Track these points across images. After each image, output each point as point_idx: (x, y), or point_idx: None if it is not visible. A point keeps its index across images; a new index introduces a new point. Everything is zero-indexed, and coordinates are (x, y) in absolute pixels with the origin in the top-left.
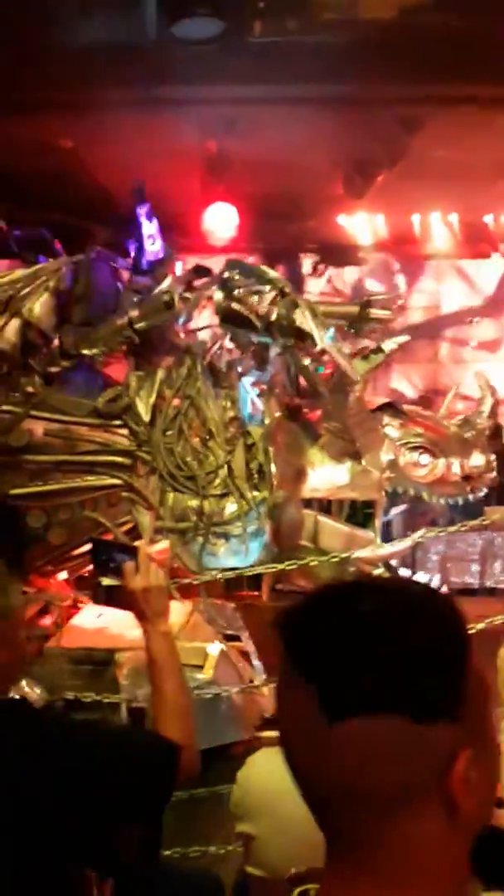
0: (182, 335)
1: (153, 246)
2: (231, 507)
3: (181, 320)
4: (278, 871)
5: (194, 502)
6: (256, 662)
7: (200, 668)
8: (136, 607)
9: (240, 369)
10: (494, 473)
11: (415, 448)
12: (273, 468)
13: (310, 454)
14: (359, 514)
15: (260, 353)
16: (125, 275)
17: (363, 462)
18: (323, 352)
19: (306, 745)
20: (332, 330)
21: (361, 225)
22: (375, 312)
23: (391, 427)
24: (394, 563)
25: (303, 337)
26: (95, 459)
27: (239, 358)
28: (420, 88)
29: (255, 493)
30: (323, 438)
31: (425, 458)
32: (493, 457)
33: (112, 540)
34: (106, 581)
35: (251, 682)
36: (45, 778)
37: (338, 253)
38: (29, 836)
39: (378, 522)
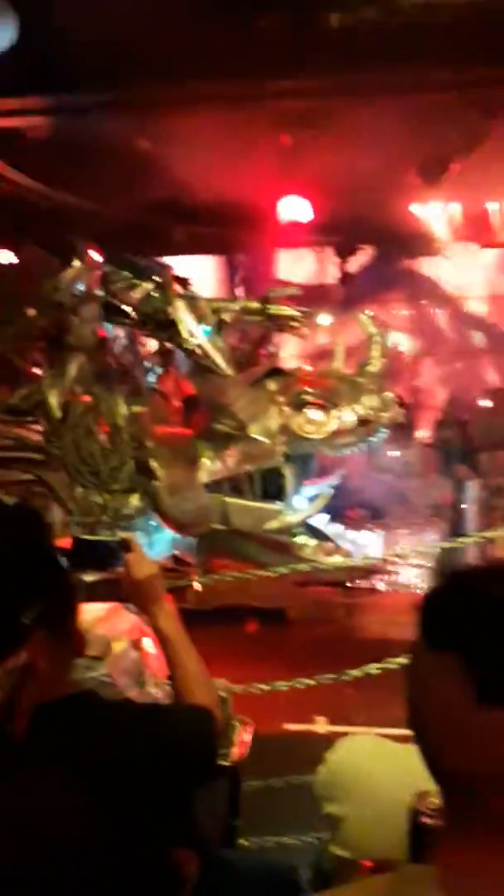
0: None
1: None
2: (136, 502)
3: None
4: (363, 853)
5: (100, 497)
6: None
7: (101, 659)
8: (140, 595)
9: (147, 365)
10: (395, 410)
11: (302, 405)
12: (153, 462)
13: (197, 445)
14: (272, 486)
15: (165, 351)
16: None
17: (250, 433)
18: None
19: (453, 728)
20: (208, 326)
21: (436, 214)
22: (276, 308)
23: (278, 391)
24: None
25: (177, 329)
26: (9, 455)
27: (145, 355)
28: (498, 72)
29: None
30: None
31: (316, 414)
32: (390, 395)
33: (93, 538)
34: (89, 577)
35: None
36: (126, 762)
37: (413, 243)
38: (127, 820)
39: (289, 489)
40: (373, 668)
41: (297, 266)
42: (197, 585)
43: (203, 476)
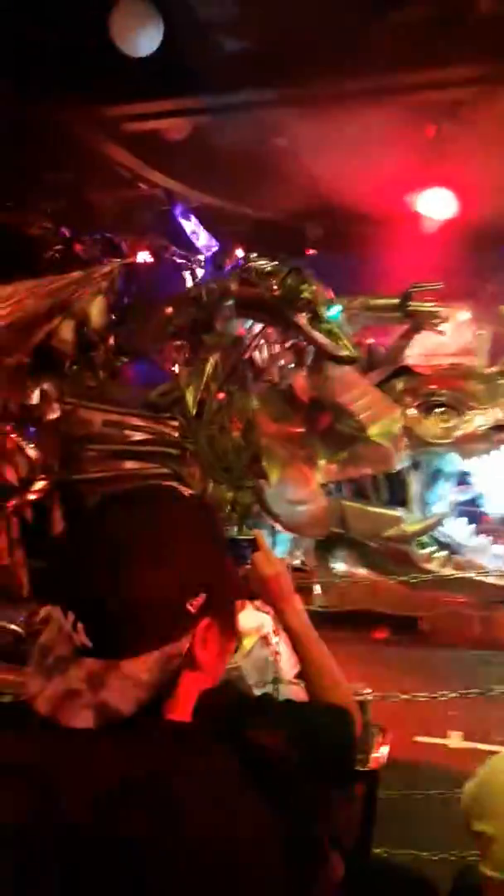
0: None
1: (200, 241)
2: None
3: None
4: None
5: (230, 494)
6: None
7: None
8: (268, 592)
9: (281, 363)
10: None
11: (432, 408)
12: (265, 461)
13: (315, 445)
14: (402, 492)
15: (298, 349)
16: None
17: (370, 435)
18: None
19: None
20: (339, 307)
21: None
22: (416, 304)
23: (408, 391)
24: None
25: (309, 310)
26: (148, 449)
27: (280, 352)
28: None
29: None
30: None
31: (447, 417)
32: None
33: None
34: None
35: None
36: (278, 755)
37: None
38: (285, 811)
39: (411, 496)
40: None
41: (437, 263)
42: (317, 589)
43: (319, 477)
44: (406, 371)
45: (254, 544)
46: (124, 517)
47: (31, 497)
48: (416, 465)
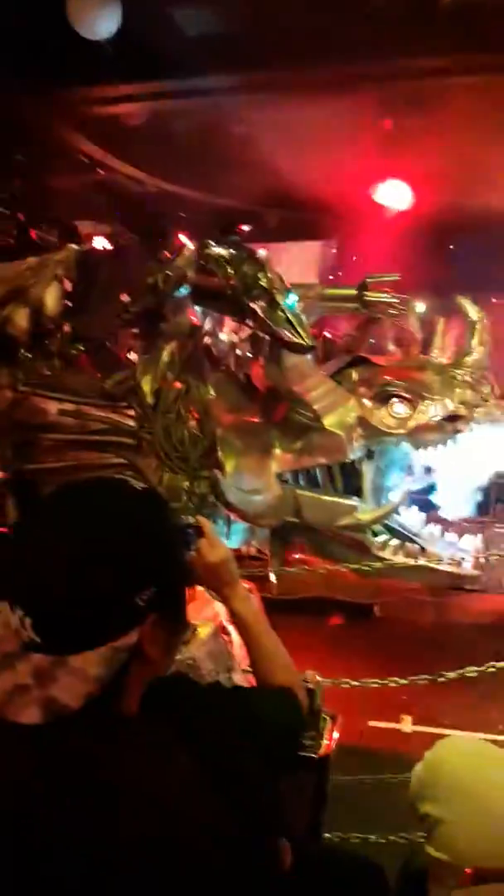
0: (190, 319)
1: None
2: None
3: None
4: (465, 858)
5: (186, 483)
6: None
7: (186, 643)
8: (213, 578)
9: (238, 352)
10: (493, 405)
11: (387, 398)
12: (220, 451)
13: (271, 434)
14: (356, 481)
15: (255, 338)
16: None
17: (325, 425)
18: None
19: None
20: (295, 296)
21: None
22: (371, 295)
23: (363, 382)
24: None
25: (266, 298)
26: (104, 439)
27: (237, 341)
28: None
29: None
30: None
31: (400, 408)
32: (488, 388)
33: None
34: None
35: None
36: (222, 742)
37: None
38: (229, 798)
39: (366, 485)
40: (471, 671)
41: (394, 253)
42: (272, 577)
43: (275, 467)
44: (361, 361)
45: (199, 531)
46: (73, 511)
47: None
48: (370, 455)
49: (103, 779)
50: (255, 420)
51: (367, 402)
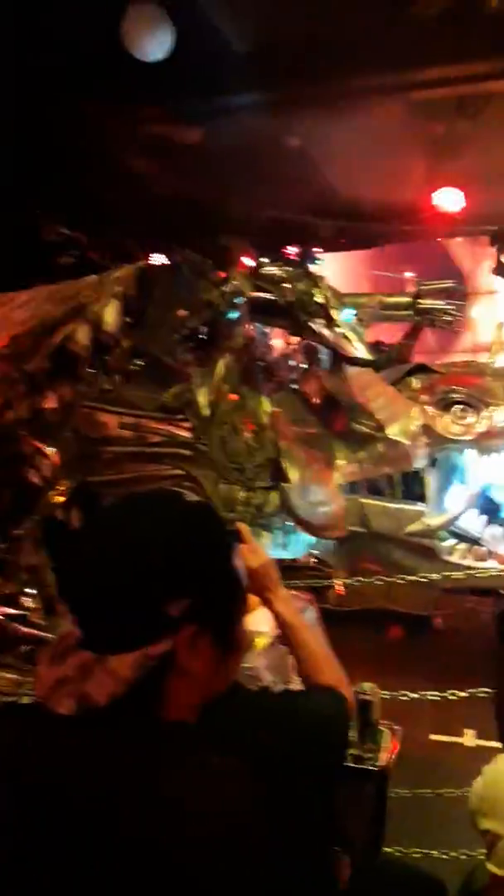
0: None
1: None
2: (277, 500)
3: (233, 316)
4: None
5: (243, 494)
6: None
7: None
8: (254, 584)
9: (291, 363)
10: None
11: (450, 405)
12: (285, 462)
13: (333, 445)
14: (417, 487)
15: (309, 349)
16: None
17: (389, 434)
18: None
19: None
20: (351, 310)
21: None
22: (427, 302)
23: (424, 389)
24: None
25: (322, 314)
26: (162, 451)
27: (290, 353)
28: None
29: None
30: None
31: (465, 414)
32: None
33: None
34: None
35: None
36: (275, 750)
37: None
38: (287, 808)
39: (430, 492)
40: None
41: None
42: (340, 587)
43: (338, 478)
44: (421, 369)
45: (238, 536)
46: (122, 518)
47: (59, 498)
48: (433, 463)
49: (130, 777)
50: (316, 431)
51: (430, 409)
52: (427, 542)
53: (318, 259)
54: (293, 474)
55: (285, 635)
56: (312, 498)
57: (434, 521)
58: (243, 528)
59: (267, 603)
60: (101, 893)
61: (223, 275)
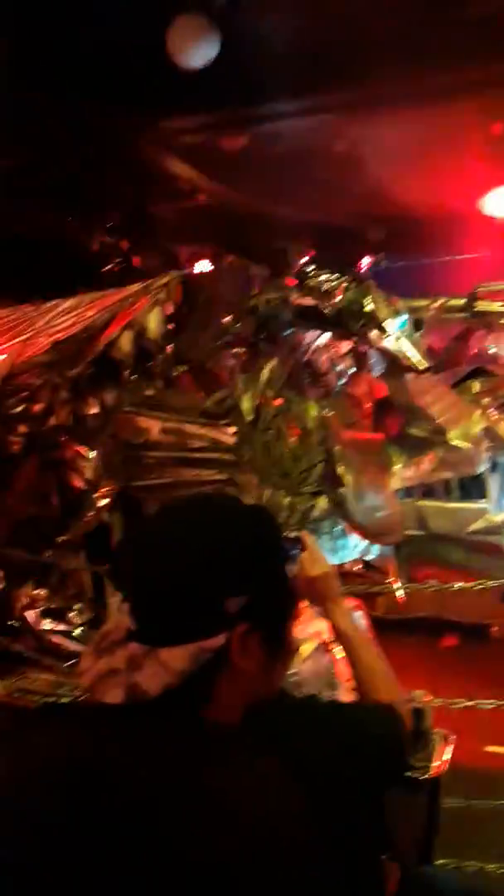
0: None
1: None
2: (324, 504)
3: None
4: None
5: (288, 499)
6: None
7: None
8: (315, 592)
9: (339, 368)
10: None
11: None
12: (341, 467)
13: (389, 450)
14: (472, 487)
15: (358, 353)
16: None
17: (450, 439)
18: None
19: None
20: (405, 316)
21: None
22: (484, 304)
23: (485, 392)
24: None
25: (373, 323)
26: (204, 456)
27: (339, 358)
28: None
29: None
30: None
31: None
32: None
33: None
34: None
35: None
36: (323, 759)
37: None
38: (333, 816)
39: (490, 490)
40: None
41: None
42: (400, 593)
43: (395, 483)
44: (481, 372)
45: (301, 544)
46: (184, 516)
47: (103, 501)
48: (494, 467)
49: (173, 769)
50: (371, 435)
51: (492, 412)
52: (493, 539)
53: (386, 266)
54: (348, 479)
55: (345, 648)
56: (369, 503)
57: (498, 516)
58: (306, 536)
59: (327, 613)
60: (138, 883)
61: (270, 280)
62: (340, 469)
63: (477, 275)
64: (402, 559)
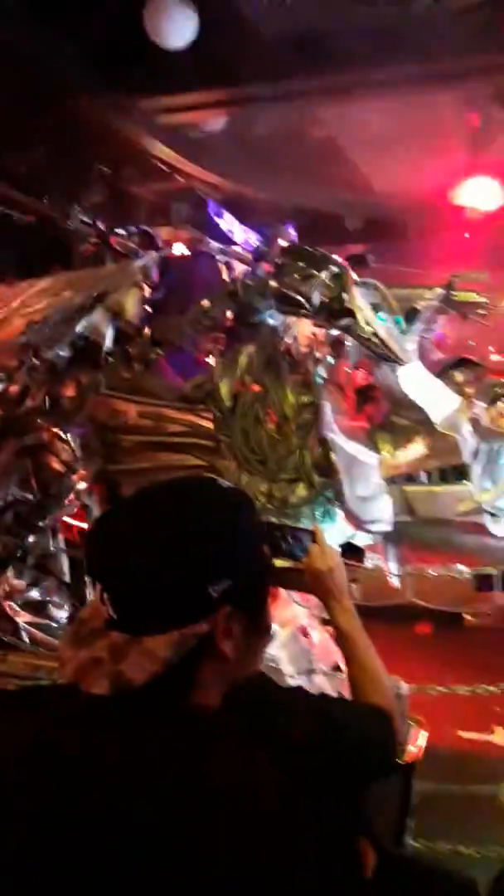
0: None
1: (237, 237)
2: (302, 491)
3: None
4: None
5: (265, 486)
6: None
7: None
8: (319, 586)
9: (317, 356)
10: None
11: (496, 398)
12: (334, 455)
13: (378, 438)
14: (453, 471)
15: (337, 341)
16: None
17: (437, 427)
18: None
19: None
20: (380, 312)
21: None
22: (462, 295)
23: (469, 382)
24: None
25: (352, 318)
26: (182, 441)
27: (318, 345)
28: None
29: (323, 479)
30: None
31: None
32: None
33: (283, 524)
34: (278, 563)
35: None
36: (308, 749)
37: None
38: (314, 801)
39: (475, 478)
40: None
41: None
42: (395, 581)
43: (383, 471)
44: (465, 362)
45: (313, 536)
46: (161, 500)
47: (82, 484)
48: (476, 455)
49: (159, 755)
50: (356, 424)
51: (476, 402)
52: (480, 519)
53: (371, 263)
54: (341, 467)
55: (341, 646)
56: (358, 492)
57: (484, 496)
58: (318, 529)
59: (329, 611)
60: (123, 868)
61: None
62: (333, 457)
63: (452, 264)
64: (392, 544)
